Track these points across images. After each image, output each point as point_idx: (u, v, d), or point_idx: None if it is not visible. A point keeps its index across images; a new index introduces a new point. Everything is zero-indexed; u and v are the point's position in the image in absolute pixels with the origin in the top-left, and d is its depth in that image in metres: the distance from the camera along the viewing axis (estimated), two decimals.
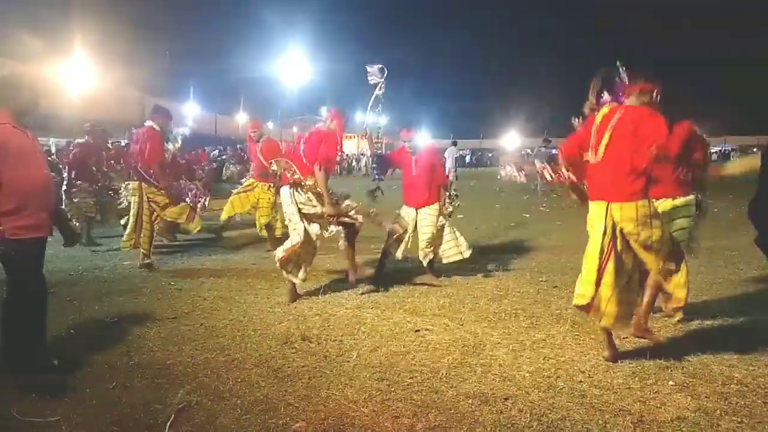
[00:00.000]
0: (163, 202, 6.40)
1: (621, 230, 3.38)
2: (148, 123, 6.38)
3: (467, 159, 45.90)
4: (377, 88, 5.61)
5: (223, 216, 7.87)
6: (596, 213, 3.47)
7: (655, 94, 3.52)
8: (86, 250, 7.43)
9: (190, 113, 34.73)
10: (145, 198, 6.27)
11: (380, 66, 5.57)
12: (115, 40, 21.02)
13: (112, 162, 8.51)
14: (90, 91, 20.91)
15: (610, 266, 3.38)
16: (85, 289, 5.37)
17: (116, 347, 3.85)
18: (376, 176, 6.91)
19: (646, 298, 3.81)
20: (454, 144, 22.12)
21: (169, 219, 6.66)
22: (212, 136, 33.50)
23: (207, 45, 31.11)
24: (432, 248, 5.76)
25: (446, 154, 22.34)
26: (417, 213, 5.73)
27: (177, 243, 8.09)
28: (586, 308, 3.47)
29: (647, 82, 3.52)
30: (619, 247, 3.40)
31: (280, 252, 5.00)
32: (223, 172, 21.37)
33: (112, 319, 4.45)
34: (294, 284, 5.02)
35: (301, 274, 5.03)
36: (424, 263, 5.80)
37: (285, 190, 5.01)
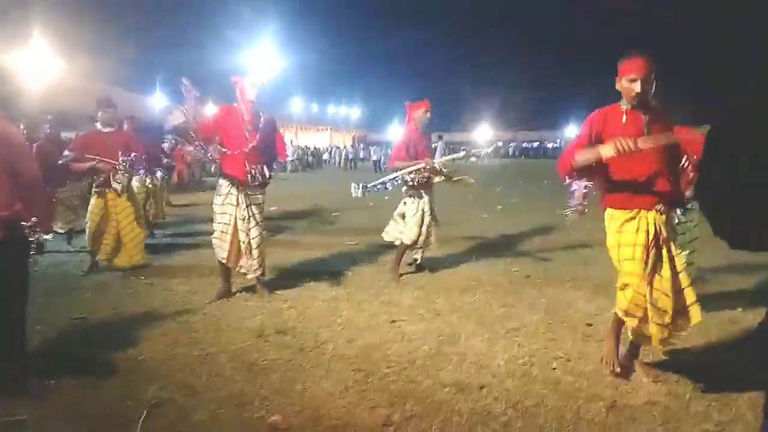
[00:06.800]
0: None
1: None
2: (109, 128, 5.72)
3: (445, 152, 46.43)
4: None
5: None
6: None
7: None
8: (49, 244, 7.17)
9: (157, 106, 33.91)
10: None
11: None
12: (76, 29, 20.32)
13: None
14: (52, 83, 20.23)
15: None
16: (50, 286, 5.21)
17: (86, 344, 3.76)
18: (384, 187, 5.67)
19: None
20: (440, 138, 22.17)
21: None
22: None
23: (175, 35, 30.26)
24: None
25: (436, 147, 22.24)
26: (425, 197, 5.52)
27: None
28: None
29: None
30: None
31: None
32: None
33: (81, 316, 4.33)
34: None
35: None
36: (426, 247, 5.71)
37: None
